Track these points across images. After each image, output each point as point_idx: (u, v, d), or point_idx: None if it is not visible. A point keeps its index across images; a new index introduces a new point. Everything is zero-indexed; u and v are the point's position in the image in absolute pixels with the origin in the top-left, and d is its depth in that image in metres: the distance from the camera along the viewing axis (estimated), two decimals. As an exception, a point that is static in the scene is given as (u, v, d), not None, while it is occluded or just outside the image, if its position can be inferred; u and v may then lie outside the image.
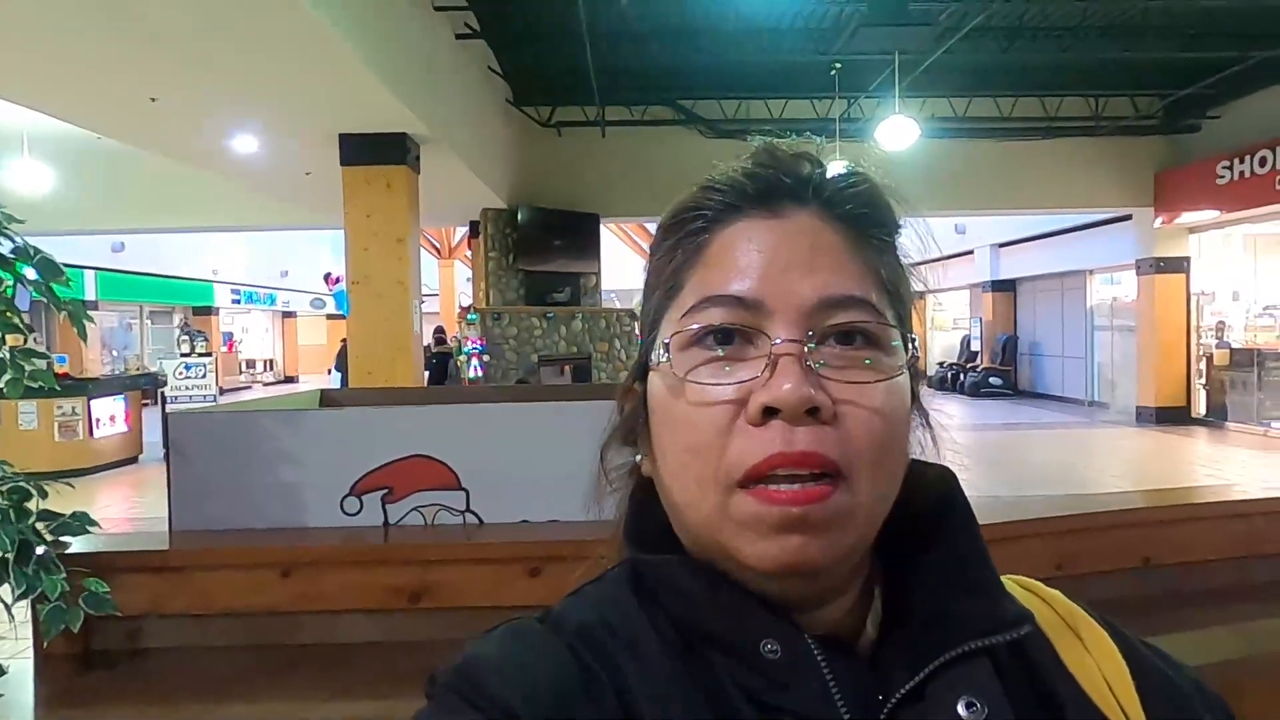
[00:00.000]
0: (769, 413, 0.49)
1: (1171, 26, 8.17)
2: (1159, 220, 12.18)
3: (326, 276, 15.09)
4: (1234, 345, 12.48)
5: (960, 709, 0.49)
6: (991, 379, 17.79)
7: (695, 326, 0.52)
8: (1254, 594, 2.02)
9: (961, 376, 18.63)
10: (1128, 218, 12.90)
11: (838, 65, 9.46)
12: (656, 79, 10.30)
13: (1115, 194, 12.17)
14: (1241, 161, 10.60)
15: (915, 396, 0.56)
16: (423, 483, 1.93)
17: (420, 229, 7.44)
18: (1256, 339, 12.79)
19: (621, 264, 20.56)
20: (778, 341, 0.49)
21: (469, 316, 10.47)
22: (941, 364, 20.74)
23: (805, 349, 0.49)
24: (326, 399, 2.69)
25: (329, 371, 17.63)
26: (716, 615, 0.52)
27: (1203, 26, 8.17)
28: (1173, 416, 12.49)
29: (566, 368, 11.24)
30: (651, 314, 0.58)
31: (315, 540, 1.86)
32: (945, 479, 0.58)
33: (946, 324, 23.35)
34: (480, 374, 10.10)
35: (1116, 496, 2.28)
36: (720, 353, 0.52)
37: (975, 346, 19.37)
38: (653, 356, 0.54)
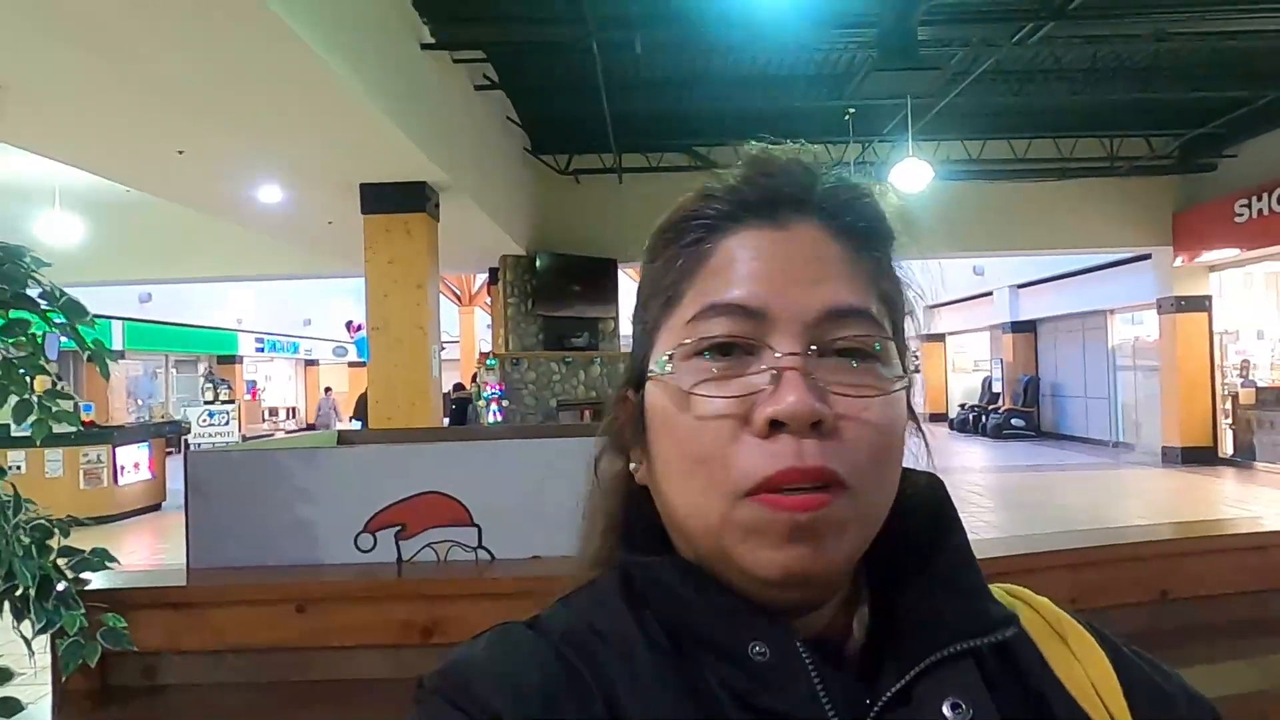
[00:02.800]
0: (775, 425, 0.49)
1: (1182, 67, 8.22)
2: (1179, 259, 12.13)
3: (348, 324, 15.29)
4: (1260, 384, 12.33)
5: (946, 710, 0.49)
6: (1014, 420, 17.62)
7: (698, 337, 0.52)
8: (1273, 627, 1.99)
9: (984, 418, 18.47)
10: (1147, 257, 12.86)
11: (851, 110, 9.57)
12: (671, 126, 10.46)
13: (1133, 233, 12.16)
14: (1259, 199, 10.58)
15: (911, 407, 0.56)
16: (436, 519, 1.95)
17: (440, 275, 7.54)
18: (1282, 378, 12.65)
19: (640, 309, 20.58)
20: (782, 354, 0.50)
21: (488, 362, 10.55)
22: (963, 406, 20.58)
23: (808, 362, 0.50)
24: (343, 439, 2.73)
25: (349, 419, 17.79)
26: (705, 617, 0.52)
27: (1213, 67, 8.22)
28: (1199, 457, 12.31)
29: (587, 412, 11.26)
30: (650, 322, 0.57)
31: (329, 577, 1.88)
32: (933, 485, 0.59)
33: (968, 366, 23.21)
34: (499, 419, 10.14)
35: (1134, 529, 2.26)
36: (723, 363, 0.52)
37: (997, 388, 19.23)
38: (652, 366, 0.54)
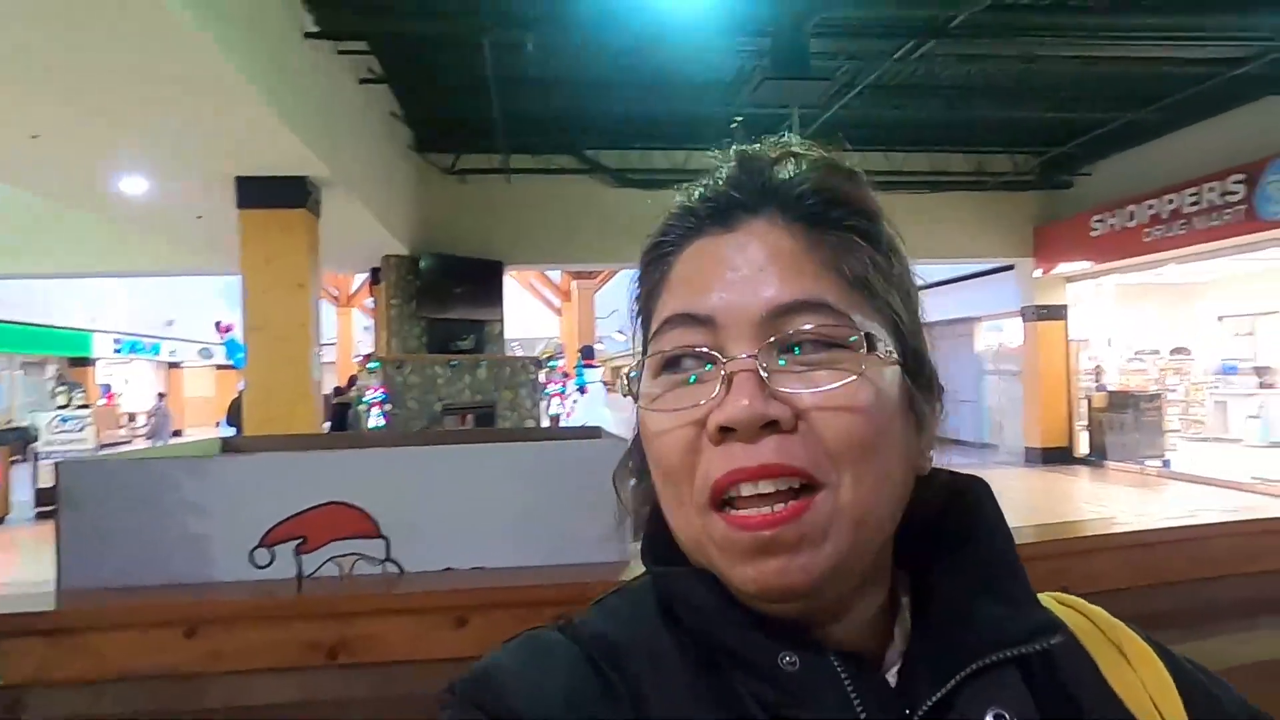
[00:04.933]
0: (726, 431, 0.48)
1: (1047, 89, 8.71)
2: (1038, 270, 12.87)
3: (217, 325, 14.53)
4: (1110, 388, 13.21)
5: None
6: (888, 423, 18.27)
7: (657, 353, 0.53)
8: (1163, 621, 2.09)
9: (859, 421, 19.09)
10: (1011, 268, 13.58)
11: (739, 118, 9.73)
12: (561, 128, 10.39)
13: (998, 245, 12.81)
14: (1112, 216, 11.32)
15: (913, 393, 0.54)
16: (339, 531, 1.83)
17: (321, 275, 7.24)
18: (1129, 382, 13.59)
19: (524, 313, 20.50)
20: (731, 359, 0.49)
21: (370, 365, 10.22)
22: (840, 409, 21.22)
23: (759, 363, 0.49)
24: (229, 447, 2.55)
25: (218, 424, 16.90)
26: (732, 629, 0.51)
27: (1075, 90, 8.74)
28: (1057, 456, 13.07)
29: (469, 417, 11.05)
30: (639, 345, 0.58)
31: (222, 595, 1.73)
32: (975, 488, 0.58)
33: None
34: (383, 423, 9.83)
35: (1030, 528, 2.35)
36: (682, 375, 0.52)
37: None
38: (631, 385, 0.55)
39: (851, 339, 0.50)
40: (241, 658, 1.67)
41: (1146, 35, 6.35)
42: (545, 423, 12.51)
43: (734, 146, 0.59)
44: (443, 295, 10.90)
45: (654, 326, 0.55)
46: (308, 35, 5.99)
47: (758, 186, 0.54)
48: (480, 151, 10.87)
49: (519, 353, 16.64)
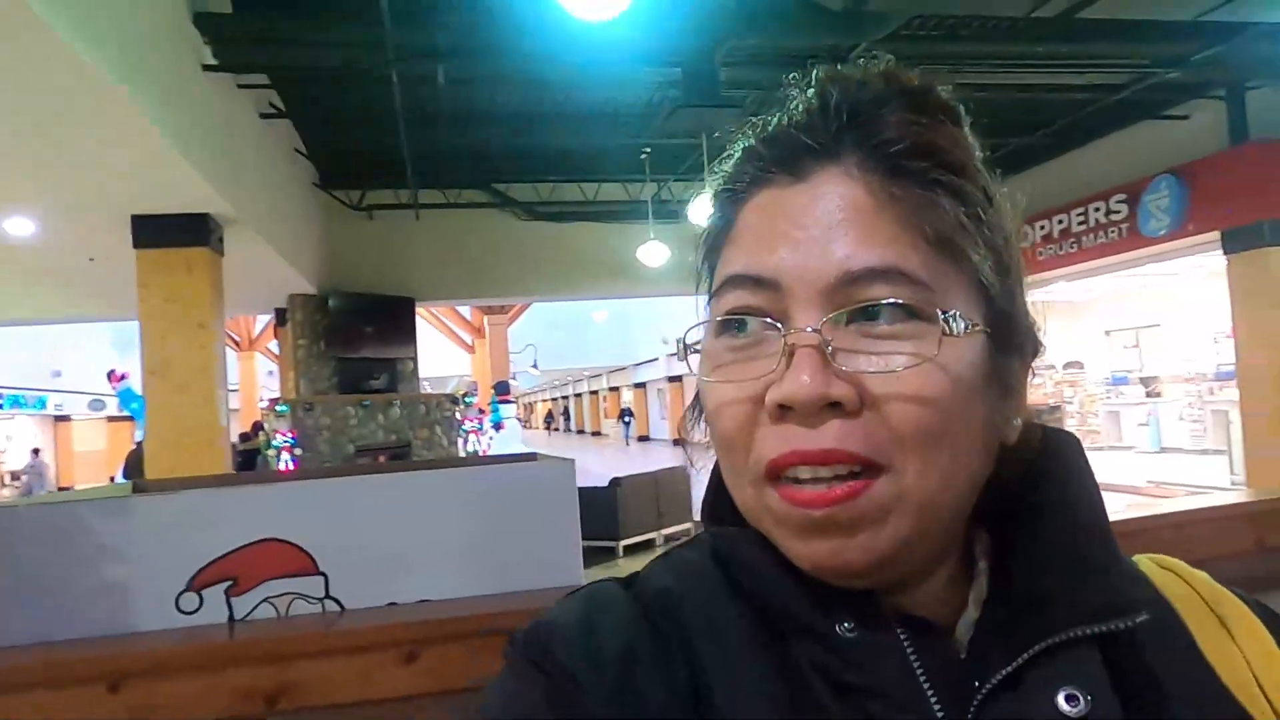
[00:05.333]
0: (785, 409, 0.45)
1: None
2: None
3: (110, 374, 13.83)
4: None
5: (1061, 700, 0.45)
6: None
7: (717, 315, 0.50)
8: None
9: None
10: (914, 290, 14.01)
11: (647, 149, 9.83)
12: (470, 162, 10.30)
13: (902, 268, 13.23)
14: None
15: (996, 358, 0.49)
16: (274, 570, 1.73)
17: (224, 316, 6.97)
18: (1030, 396, 14.08)
19: (435, 351, 20.20)
20: (794, 330, 0.46)
21: (279, 408, 9.86)
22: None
23: (824, 337, 0.45)
24: (141, 489, 2.40)
25: (112, 479, 16.03)
26: (789, 593, 0.49)
27: (969, 116, 9.10)
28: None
29: (382, 457, 10.76)
30: (705, 293, 0.55)
31: (148, 645, 1.61)
32: (1065, 446, 0.54)
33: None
34: (292, 468, 9.48)
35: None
36: (743, 340, 0.49)
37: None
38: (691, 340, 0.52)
39: (929, 314, 0.46)
40: (172, 711, 1.55)
41: (1036, 63, 6.68)
42: (463, 460, 12.29)
43: (816, 72, 0.51)
44: (353, 334, 10.64)
45: (717, 282, 0.51)
46: (206, 68, 5.80)
47: (832, 130, 0.49)
48: (387, 187, 10.70)
49: (429, 391, 16.35)
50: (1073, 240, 10.10)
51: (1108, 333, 16.23)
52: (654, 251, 10.36)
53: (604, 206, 11.31)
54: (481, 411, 14.38)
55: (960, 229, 0.48)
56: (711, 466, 0.56)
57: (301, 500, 1.77)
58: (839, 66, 0.51)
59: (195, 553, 1.71)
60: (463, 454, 12.07)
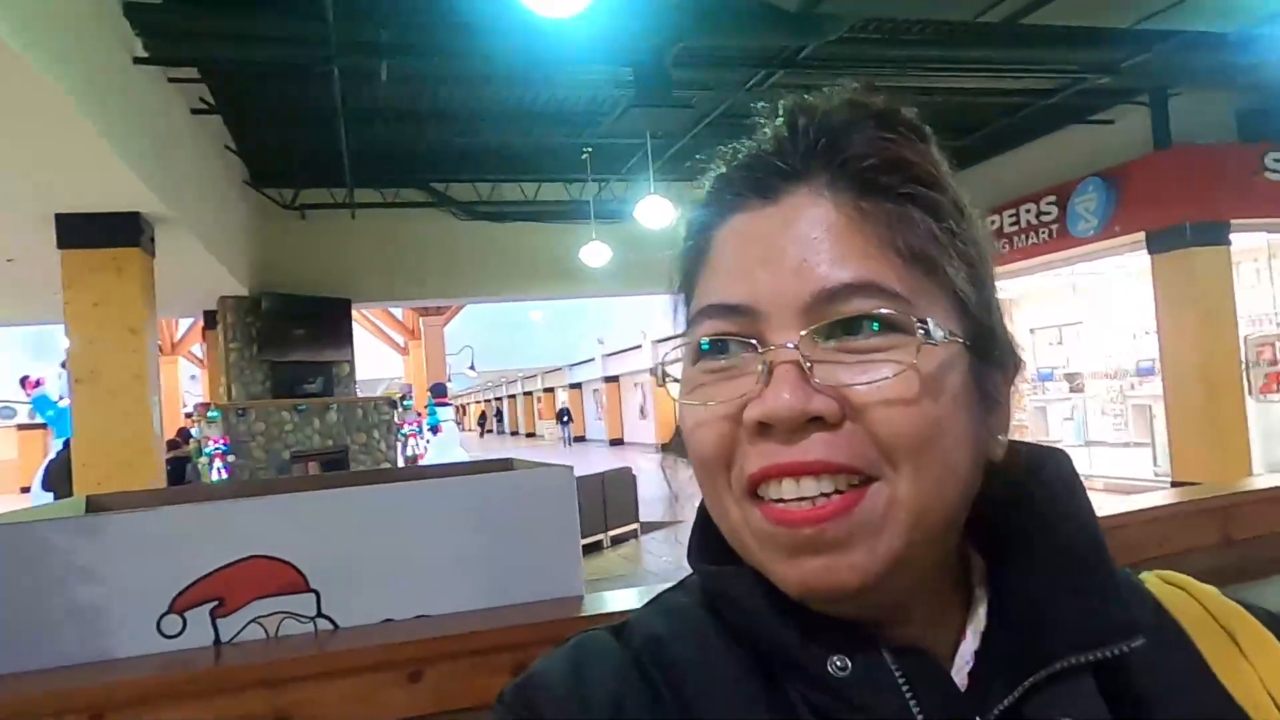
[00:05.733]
0: (764, 427, 0.45)
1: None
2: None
3: (23, 380, 13.19)
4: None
5: None
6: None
7: (693, 342, 0.50)
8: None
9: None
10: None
11: (589, 149, 9.77)
12: (409, 161, 10.12)
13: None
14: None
15: (978, 372, 0.49)
16: (263, 588, 1.64)
17: (157, 319, 6.69)
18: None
19: (368, 354, 19.82)
20: (772, 348, 0.46)
21: (210, 414, 9.52)
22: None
23: (802, 353, 0.45)
24: (94, 505, 2.26)
25: (23, 490, 15.28)
26: (775, 629, 0.48)
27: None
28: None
29: (311, 464, 10.47)
30: (682, 323, 0.55)
31: (129, 673, 1.50)
32: (1054, 463, 0.53)
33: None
34: (225, 475, 9.17)
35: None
36: (721, 363, 0.48)
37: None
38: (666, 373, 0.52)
39: (906, 325, 0.46)
40: (159, 743, 1.45)
41: (975, 67, 6.83)
42: (402, 464, 12.03)
43: (782, 100, 0.52)
44: (286, 337, 10.33)
45: (693, 311, 0.51)
46: (137, 60, 5.55)
47: (800, 151, 0.49)
48: (322, 186, 10.42)
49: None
50: (1005, 241, 10.37)
51: (1032, 330, 16.73)
52: (596, 252, 10.31)
53: (545, 206, 11.21)
54: (419, 415, 14.13)
55: (934, 241, 0.48)
56: (699, 503, 0.56)
57: (289, 514, 1.68)
58: (806, 95, 0.51)
59: (176, 573, 1.60)
60: (401, 459, 11.85)
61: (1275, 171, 8.52)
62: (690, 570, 0.57)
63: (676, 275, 0.55)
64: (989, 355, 0.50)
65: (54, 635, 1.53)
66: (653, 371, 0.53)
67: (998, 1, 6.12)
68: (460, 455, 15.02)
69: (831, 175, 0.48)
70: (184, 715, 1.48)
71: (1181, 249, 8.31)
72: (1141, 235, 8.69)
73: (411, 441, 12.67)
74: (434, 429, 15.20)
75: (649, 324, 23.68)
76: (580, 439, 30.97)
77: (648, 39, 5.28)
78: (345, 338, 11.20)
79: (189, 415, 16.45)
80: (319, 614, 1.66)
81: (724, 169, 0.52)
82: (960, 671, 0.48)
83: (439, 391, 16.26)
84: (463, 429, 51.44)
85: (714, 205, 0.52)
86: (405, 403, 12.17)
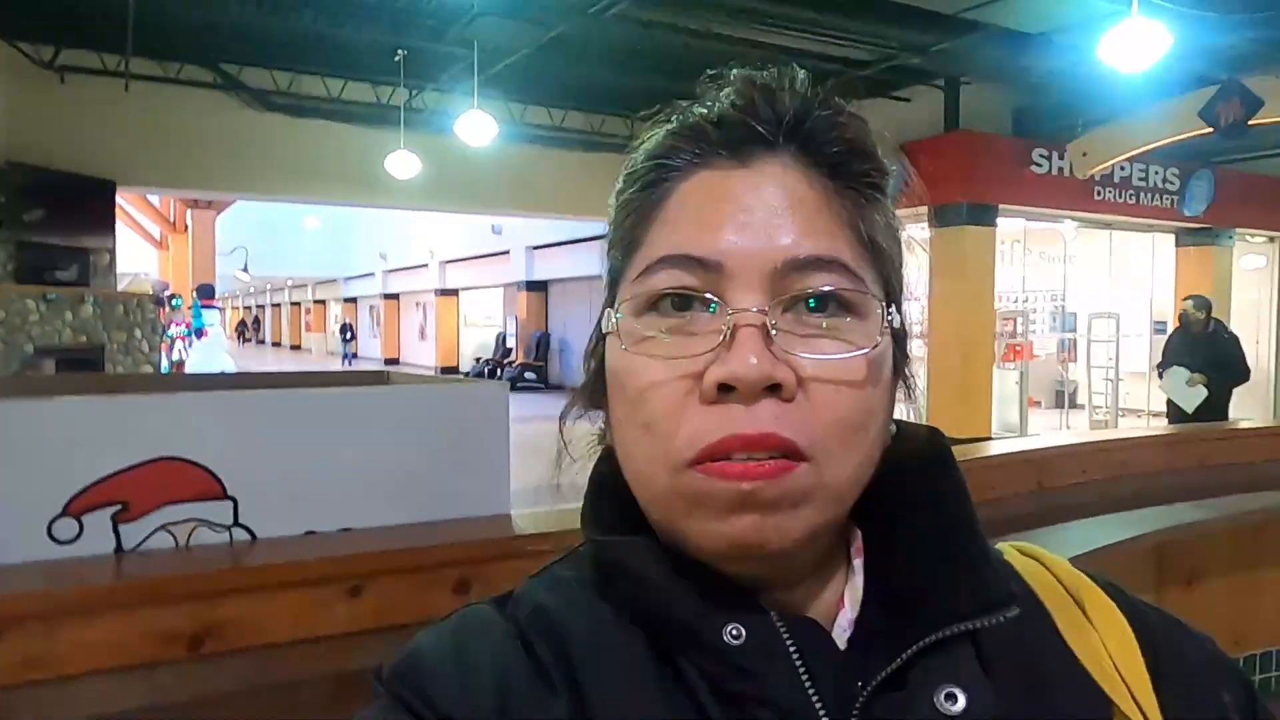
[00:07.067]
0: (725, 389, 0.45)
1: (704, 65, 9.31)
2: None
3: None
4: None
5: (940, 699, 0.46)
6: (526, 374, 18.80)
7: (647, 292, 0.48)
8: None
9: (498, 372, 19.39)
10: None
11: (403, 51, 9.20)
12: (198, 35, 9.07)
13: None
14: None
15: (900, 365, 0.53)
16: (173, 493, 1.48)
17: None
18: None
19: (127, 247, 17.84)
20: (737, 310, 0.45)
21: (-64, 295, 8.24)
22: (477, 360, 21.38)
23: (768, 319, 0.45)
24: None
25: None
26: (673, 599, 0.48)
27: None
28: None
29: (44, 363, 9.36)
30: (613, 271, 0.53)
31: (18, 585, 1.32)
32: (934, 440, 0.54)
33: (480, 320, 24.11)
34: (-46, 368, 8.01)
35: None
36: (675, 320, 0.48)
37: (510, 343, 20.28)
38: (606, 321, 0.51)
39: (873, 308, 0.48)
40: (60, 661, 1.30)
41: (804, 28, 7.08)
42: (165, 368, 11.04)
43: (736, 71, 0.52)
44: (36, 214, 9.08)
45: (642, 259, 0.49)
46: None
47: (779, 121, 0.49)
48: (89, 47, 9.15)
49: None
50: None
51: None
52: (404, 162, 9.82)
53: (350, 106, 10.47)
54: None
55: (885, 232, 0.51)
56: (593, 467, 0.56)
57: (206, 414, 1.53)
58: (760, 72, 0.52)
59: (73, 472, 1.42)
60: (166, 364, 10.88)
61: (1039, 166, 9.56)
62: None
63: (617, 219, 0.53)
64: (904, 346, 0.53)
65: (-75, 537, 1.31)
66: (605, 321, 0.51)
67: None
68: (227, 363, 14.00)
69: (803, 152, 0.49)
70: (106, 629, 1.32)
71: (957, 225, 9.15)
72: (925, 209, 9.47)
73: (179, 344, 11.65)
74: (199, 333, 14.06)
75: (436, 243, 22.95)
76: (353, 356, 29.71)
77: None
78: (107, 223, 10.02)
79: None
80: (236, 523, 1.53)
81: (689, 120, 0.51)
82: (839, 639, 0.49)
83: (206, 293, 15.01)
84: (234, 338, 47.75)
85: (680, 156, 0.50)
86: (175, 301, 11.13)
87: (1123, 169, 9.98)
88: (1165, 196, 10.62)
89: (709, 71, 0.53)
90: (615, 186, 0.53)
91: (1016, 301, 11.84)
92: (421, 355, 25.91)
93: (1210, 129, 7.83)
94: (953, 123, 9.32)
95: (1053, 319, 12.30)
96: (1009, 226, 10.02)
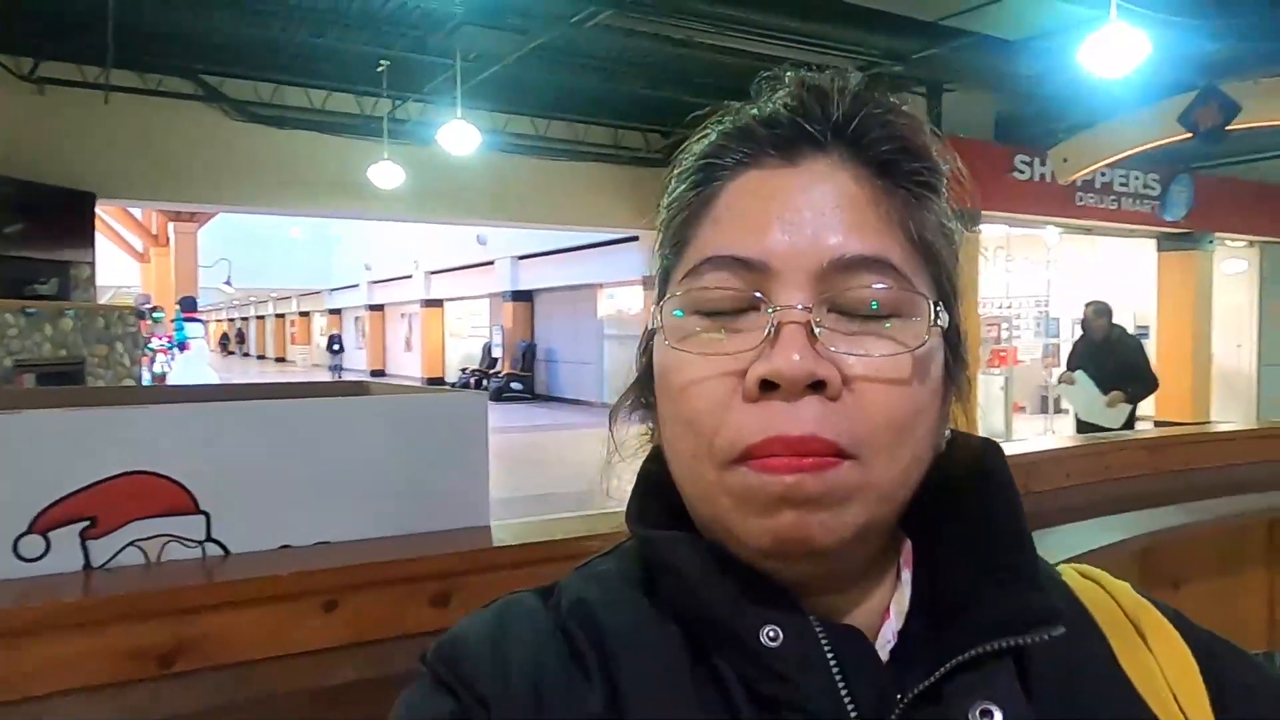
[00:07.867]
0: (767, 386, 0.45)
1: (687, 73, 9.32)
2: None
3: None
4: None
5: (975, 714, 0.45)
6: (513, 384, 18.77)
7: (693, 291, 0.49)
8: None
9: (484, 382, 19.35)
10: (636, 238, 14.49)
11: (386, 61, 9.18)
12: (179, 45, 9.03)
13: (630, 217, 13.57)
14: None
15: (951, 366, 0.52)
16: (143, 508, 1.44)
17: None
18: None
19: (100, 258, 17.70)
20: (781, 308, 0.46)
21: (-86, 309, 8.14)
22: (464, 370, 21.31)
23: (812, 317, 0.45)
24: None
25: None
26: (714, 598, 0.47)
27: (708, 77, 9.43)
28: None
29: (24, 378, 9.25)
30: (661, 270, 0.54)
31: (-13, 602, 1.29)
32: (988, 452, 0.54)
33: (464, 331, 24.03)
34: (-68, 383, 7.91)
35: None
36: (721, 320, 0.48)
37: (496, 353, 20.23)
38: (654, 317, 0.51)
39: (921, 308, 0.47)
40: (36, 680, 1.26)
41: (786, 36, 7.10)
42: (146, 382, 10.94)
43: (790, 72, 0.53)
44: (15, 228, 8.99)
45: (690, 258, 0.50)
46: None
47: (829, 121, 0.49)
48: (69, 59, 9.09)
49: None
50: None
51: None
52: (387, 172, 9.79)
53: (333, 117, 10.44)
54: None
55: (937, 233, 0.50)
56: (641, 464, 0.56)
57: (177, 427, 1.49)
58: (814, 74, 0.52)
59: (40, 487, 1.39)
60: (148, 377, 10.79)
61: (1021, 172, 9.60)
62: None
63: (667, 218, 0.53)
64: (959, 352, 0.52)
65: (-115, 556, 1.28)
66: (652, 319, 0.51)
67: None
68: (211, 376, 13.91)
69: (853, 151, 0.49)
70: (74, 647, 1.29)
71: (940, 232, 9.18)
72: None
73: (161, 358, 11.55)
74: (181, 346, 13.97)
75: (421, 254, 22.89)
76: (341, 369, 29.59)
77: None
78: (86, 236, 9.94)
79: None
80: (209, 538, 1.50)
81: (746, 121, 0.51)
82: (883, 650, 0.49)
83: (189, 306, 14.91)
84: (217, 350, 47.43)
85: (729, 156, 0.51)
86: (155, 314, 11.05)
87: (1104, 175, 10.04)
88: (1146, 202, 10.69)
89: (763, 73, 0.54)
90: (666, 186, 0.54)
91: (1001, 307, 11.91)
92: (407, 366, 25.81)
93: (1189, 134, 7.89)
94: (935, 129, 9.35)
95: (1037, 324, 12.37)
96: (992, 232, 10.06)
